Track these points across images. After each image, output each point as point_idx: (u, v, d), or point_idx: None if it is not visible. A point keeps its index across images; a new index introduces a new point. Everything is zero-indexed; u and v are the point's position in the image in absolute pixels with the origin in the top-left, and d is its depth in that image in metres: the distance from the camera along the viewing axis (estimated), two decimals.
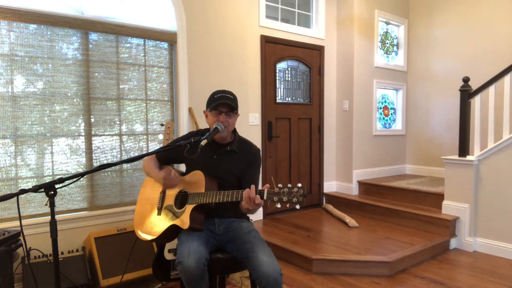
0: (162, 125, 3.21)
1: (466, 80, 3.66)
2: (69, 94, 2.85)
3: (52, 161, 2.80)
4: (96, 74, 2.97)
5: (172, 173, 2.02)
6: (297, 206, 1.63)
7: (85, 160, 2.94)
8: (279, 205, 1.64)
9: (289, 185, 1.64)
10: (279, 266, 1.76)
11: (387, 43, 5.14)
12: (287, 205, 1.64)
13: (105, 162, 3.04)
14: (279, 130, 4.39)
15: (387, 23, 5.11)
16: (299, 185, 1.63)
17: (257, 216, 4.17)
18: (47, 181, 1.46)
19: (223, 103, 1.96)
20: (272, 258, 1.77)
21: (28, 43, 2.67)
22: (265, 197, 1.67)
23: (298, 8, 4.60)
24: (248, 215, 2.14)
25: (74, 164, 2.90)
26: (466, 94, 3.64)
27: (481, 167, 3.53)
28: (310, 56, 4.64)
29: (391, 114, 5.32)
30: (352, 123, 4.71)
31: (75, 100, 2.89)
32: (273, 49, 4.27)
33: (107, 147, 3.04)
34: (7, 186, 2.63)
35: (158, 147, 3.14)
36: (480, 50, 4.50)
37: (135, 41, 3.17)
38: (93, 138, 2.97)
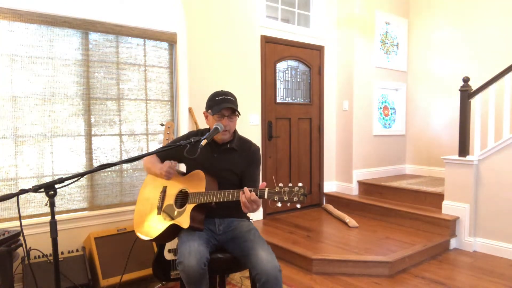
0: (162, 125, 3.21)
1: (466, 80, 3.66)
2: (69, 94, 2.85)
3: (52, 161, 2.80)
4: (96, 74, 2.97)
5: (173, 163, 1.98)
6: (298, 205, 1.64)
7: (85, 160, 2.94)
8: (279, 204, 1.64)
9: (290, 185, 1.65)
10: (278, 263, 1.77)
11: (387, 43, 5.14)
12: (288, 204, 1.64)
13: (105, 162, 3.04)
14: (279, 130, 4.39)
15: (387, 23, 5.11)
16: (300, 184, 1.64)
17: (257, 216, 4.17)
18: (47, 181, 1.46)
19: (225, 107, 1.94)
20: (271, 255, 1.79)
21: (28, 43, 2.67)
22: (266, 197, 1.68)
23: (298, 8, 4.60)
24: (248, 214, 2.15)
25: (74, 164, 2.90)
26: (466, 94, 3.64)
27: (481, 167, 3.53)
28: (310, 56, 4.64)
29: (391, 114, 5.31)
30: (352, 123, 4.71)
31: (75, 100, 2.89)
32: (273, 49, 4.26)
33: (107, 147, 3.04)
34: (7, 186, 2.63)
35: (158, 147, 3.14)
36: (480, 50, 4.49)
37: (135, 41, 3.16)
38: (93, 138, 2.97)
